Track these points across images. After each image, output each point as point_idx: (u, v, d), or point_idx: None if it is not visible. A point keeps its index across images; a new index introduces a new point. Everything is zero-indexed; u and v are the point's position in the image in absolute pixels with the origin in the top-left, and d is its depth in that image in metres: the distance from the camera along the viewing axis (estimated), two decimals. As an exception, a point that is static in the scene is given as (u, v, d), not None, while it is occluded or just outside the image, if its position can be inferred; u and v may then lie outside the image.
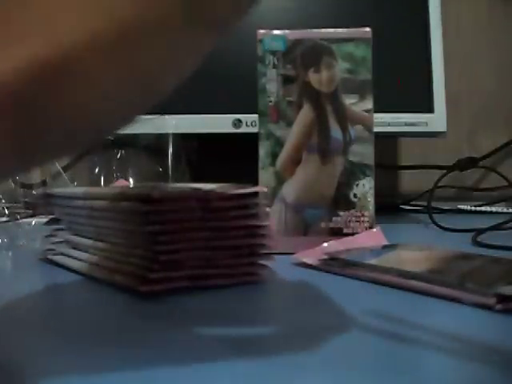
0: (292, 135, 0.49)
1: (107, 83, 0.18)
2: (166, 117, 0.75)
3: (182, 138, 0.85)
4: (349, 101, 0.49)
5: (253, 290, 0.35)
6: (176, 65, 0.20)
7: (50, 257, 0.44)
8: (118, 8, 0.17)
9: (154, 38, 0.18)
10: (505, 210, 0.85)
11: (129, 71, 0.19)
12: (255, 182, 0.46)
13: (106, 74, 0.18)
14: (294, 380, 0.21)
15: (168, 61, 0.20)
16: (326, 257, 0.41)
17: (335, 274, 0.39)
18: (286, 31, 0.50)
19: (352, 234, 0.48)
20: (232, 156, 0.89)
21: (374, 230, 0.48)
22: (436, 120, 0.79)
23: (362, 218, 0.49)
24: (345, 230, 0.49)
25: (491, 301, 0.29)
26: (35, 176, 0.76)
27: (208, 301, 0.32)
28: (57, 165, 0.78)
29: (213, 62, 0.81)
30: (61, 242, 0.45)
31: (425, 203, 0.76)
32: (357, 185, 0.49)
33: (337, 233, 0.48)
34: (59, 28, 0.17)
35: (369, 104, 0.49)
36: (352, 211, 0.49)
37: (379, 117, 0.74)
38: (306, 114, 0.49)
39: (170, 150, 0.81)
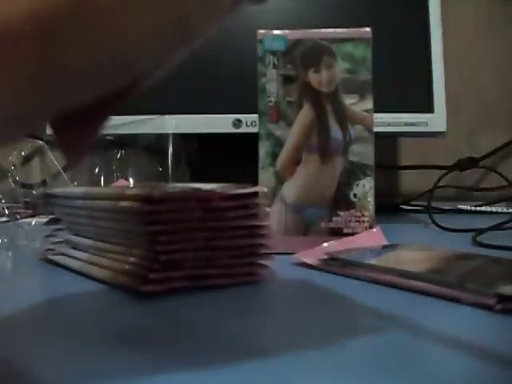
0: (292, 135, 0.49)
1: (134, 9, 0.18)
2: (166, 117, 0.75)
3: (182, 138, 0.85)
4: (349, 101, 0.49)
5: (253, 290, 0.35)
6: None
7: (50, 257, 0.44)
8: None
9: None
10: (505, 210, 0.85)
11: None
12: (255, 182, 0.46)
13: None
14: (294, 380, 0.21)
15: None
16: (326, 257, 0.41)
17: (335, 273, 0.39)
18: (286, 31, 0.50)
19: (352, 234, 0.48)
20: (232, 156, 0.89)
21: (374, 230, 0.48)
22: (436, 120, 0.79)
23: (361, 218, 0.49)
24: (345, 230, 0.49)
25: (491, 301, 0.29)
26: (35, 176, 0.76)
27: (208, 301, 0.32)
28: (57, 165, 0.78)
29: (213, 62, 0.81)
30: (61, 241, 0.45)
31: (425, 203, 0.76)
32: (357, 185, 0.49)
33: (337, 233, 0.48)
34: None
35: (369, 104, 0.49)
36: (352, 211, 0.49)
37: (379, 117, 0.74)
38: (305, 114, 0.49)
39: (170, 150, 0.81)
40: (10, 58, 0.17)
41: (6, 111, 0.18)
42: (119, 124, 0.74)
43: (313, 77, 0.49)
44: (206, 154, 0.95)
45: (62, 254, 0.43)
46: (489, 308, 0.29)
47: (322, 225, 0.49)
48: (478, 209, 0.87)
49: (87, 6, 0.17)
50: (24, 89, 0.17)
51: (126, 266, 0.35)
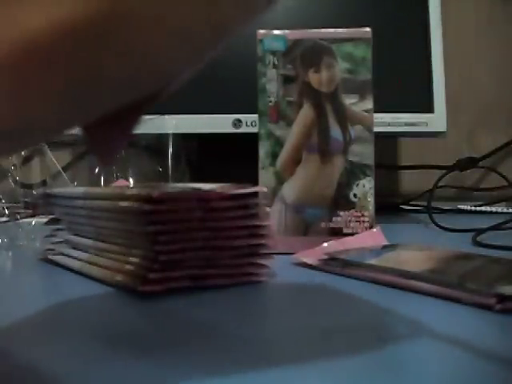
0: (292, 135, 0.49)
1: (173, 18, 0.17)
2: (166, 117, 0.75)
3: (182, 138, 0.84)
4: (349, 101, 0.49)
5: (253, 290, 0.35)
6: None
7: (50, 257, 0.44)
8: None
9: None
10: (505, 210, 0.85)
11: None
12: (255, 182, 0.46)
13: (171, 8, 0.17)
14: (294, 380, 0.21)
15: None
16: (326, 257, 0.41)
17: (335, 273, 0.39)
18: (286, 31, 0.50)
19: (352, 234, 0.48)
20: (232, 156, 0.89)
21: (374, 230, 0.48)
22: (436, 120, 0.79)
23: (362, 218, 0.49)
24: (345, 230, 0.49)
25: (491, 301, 0.29)
26: (35, 176, 0.76)
27: (208, 301, 0.32)
28: (57, 165, 0.78)
29: (213, 62, 0.81)
30: (61, 241, 0.45)
31: (425, 203, 0.76)
32: (357, 185, 0.49)
33: (337, 233, 0.48)
34: None
35: (369, 104, 0.49)
36: (352, 211, 0.49)
37: (379, 117, 0.74)
38: (305, 114, 0.49)
39: (170, 150, 0.81)
40: (44, 72, 0.16)
41: (41, 124, 0.17)
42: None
43: (313, 77, 0.49)
44: (206, 154, 0.95)
45: (62, 254, 0.43)
46: (489, 308, 0.29)
47: (322, 225, 0.49)
48: (478, 209, 0.87)
49: (121, 16, 0.17)
50: (59, 101, 0.17)
51: (126, 266, 0.35)
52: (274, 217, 0.49)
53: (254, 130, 0.75)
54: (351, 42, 0.49)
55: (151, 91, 0.20)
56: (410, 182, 1.08)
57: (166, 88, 0.22)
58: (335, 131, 0.49)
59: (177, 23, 0.18)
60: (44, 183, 0.76)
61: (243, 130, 0.79)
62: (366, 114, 0.49)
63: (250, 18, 0.19)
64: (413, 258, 0.40)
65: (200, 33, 0.18)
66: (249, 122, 0.79)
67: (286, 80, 0.49)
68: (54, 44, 0.16)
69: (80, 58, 0.16)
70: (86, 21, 0.16)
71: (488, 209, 0.86)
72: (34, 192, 0.70)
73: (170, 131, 0.76)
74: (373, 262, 0.38)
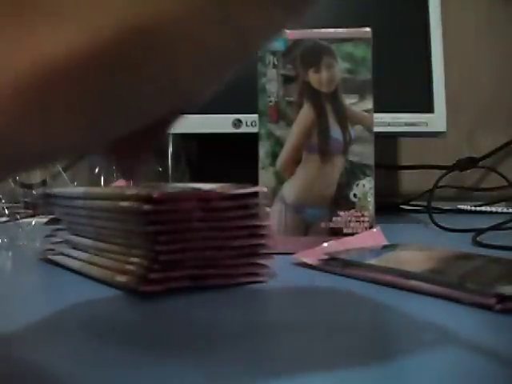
0: (292, 135, 0.49)
1: (211, 39, 0.17)
2: (166, 117, 0.75)
3: (182, 138, 0.84)
4: (349, 101, 0.49)
5: (253, 290, 0.35)
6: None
7: (50, 257, 0.44)
8: None
9: None
10: (505, 210, 0.85)
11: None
12: (255, 182, 0.46)
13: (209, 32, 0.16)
14: (294, 379, 0.21)
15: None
16: (326, 257, 0.41)
17: (335, 273, 0.39)
18: (286, 31, 0.50)
19: (352, 234, 0.48)
20: (232, 156, 0.89)
21: (374, 230, 0.48)
22: (436, 120, 0.79)
23: (362, 218, 0.49)
24: (345, 230, 0.49)
25: (491, 301, 0.29)
26: (35, 176, 0.76)
27: (208, 301, 0.32)
28: (57, 165, 0.78)
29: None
30: (61, 242, 0.45)
31: (425, 203, 0.76)
32: (357, 185, 0.49)
33: (337, 233, 0.48)
34: None
35: (369, 104, 0.49)
36: (352, 211, 0.49)
37: (379, 117, 0.74)
38: (305, 114, 0.49)
39: (170, 150, 0.81)
40: (72, 95, 0.16)
41: (67, 146, 0.17)
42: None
43: (313, 77, 0.49)
44: (205, 154, 0.95)
45: (62, 254, 0.43)
46: (489, 308, 0.29)
47: (322, 225, 0.49)
48: (478, 209, 0.87)
49: (148, 39, 0.16)
50: (86, 124, 0.17)
51: (126, 266, 0.35)
52: (274, 217, 0.49)
53: (254, 129, 0.75)
54: (351, 42, 0.49)
55: (178, 108, 0.19)
56: (410, 182, 1.08)
57: (193, 102, 0.22)
58: (335, 131, 0.49)
59: (212, 48, 0.17)
60: (44, 183, 0.76)
61: (243, 130, 0.79)
62: (366, 113, 0.49)
63: (275, 34, 0.19)
64: (413, 258, 0.40)
65: (231, 52, 0.18)
66: (249, 122, 0.79)
67: (286, 80, 0.49)
68: (76, 69, 0.15)
69: (104, 82, 0.16)
70: (108, 47, 0.15)
71: (488, 209, 0.86)
72: (34, 192, 0.70)
73: (170, 131, 0.76)
74: (373, 262, 0.38)
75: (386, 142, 1.06)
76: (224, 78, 0.20)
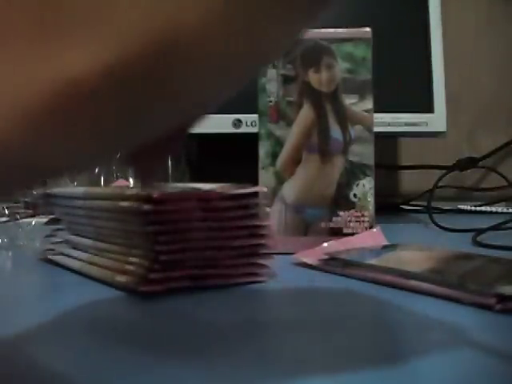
0: (292, 135, 0.49)
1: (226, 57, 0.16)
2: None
3: (182, 138, 0.84)
4: (349, 101, 0.49)
5: (253, 290, 0.35)
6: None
7: (50, 257, 0.44)
8: None
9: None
10: (505, 210, 0.85)
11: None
12: (255, 182, 0.46)
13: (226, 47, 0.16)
14: (294, 379, 0.21)
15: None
16: (326, 257, 0.41)
17: (335, 273, 0.39)
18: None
19: (352, 234, 0.48)
20: (232, 156, 0.89)
21: (374, 230, 0.48)
22: (436, 120, 0.79)
23: (362, 218, 0.49)
24: (345, 230, 0.49)
25: (491, 301, 0.29)
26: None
27: (208, 301, 0.32)
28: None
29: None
30: (61, 241, 0.45)
31: (425, 203, 0.76)
32: (357, 185, 0.49)
33: (337, 233, 0.48)
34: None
35: (369, 104, 0.49)
36: (352, 211, 0.49)
37: (379, 117, 0.74)
38: (305, 114, 0.49)
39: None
40: (95, 112, 0.16)
41: (89, 159, 0.17)
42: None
43: (313, 77, 0.49)
44: (205, 154, 0.95)
45: (62, 254, 0.43)
46: (489, 308, 0.29)
47: (322, 225, 0.49)
48: (478, 209, 0.87)
49: (171, 53, 0.16)
50: (103, 142, 0.17)
51: (126, 266, 0.35)
52: (274, 217, 0.49)
53: (254, 130, 0.75)
54: (351, 42, 0.49)
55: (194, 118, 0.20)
56: (410, 181, 1.08)
57: (208, 112, 0.22)
58: (335, 131, 0.49)
59: (235, 60, 0.17)
60: (44, 183, 0.76)
61: (243, 130, 0.79)
62: (366, 114, 0.49)
63: (293, 43, 0.19)
64: (413, 258, 0.40)
65: (253, 63, 0.18)
66: (249, 122, 0.79)
67: (286, 80, 0.49)
68: (98, 86, 0.15)
69: (126, 99, 0.16)
70: (131, 64, 0.15)
71: (488, 209, 0.86)
72: (34, 192, 0.70)
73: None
74: (373, 261, 0.38)
75: (386, 142, 1.06)
76: (240, 87, 0.20)
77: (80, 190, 0.42)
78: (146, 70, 0.15)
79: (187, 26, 0.15)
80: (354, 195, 0.49)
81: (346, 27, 0.50)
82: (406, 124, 0.78)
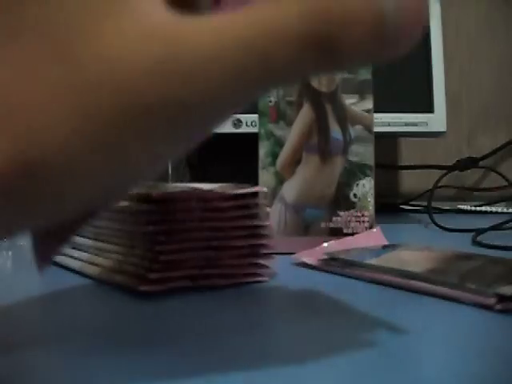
0: (292, 135, 0.49)
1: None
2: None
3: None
4: (349, 101, 0.49)
5: (253, 290, 0.35)
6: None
7: (49, 257, 0.44)
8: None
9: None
10: (505, 210, 0.85)
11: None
12: (255, 182, 0.46)
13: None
14: (294, 379, 0.21)
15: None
16: (325, 257, 0.41)
17: (335, 273, 0.39)
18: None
19: (352, 234, 0.48)
20: (232, 156, 0.89)
21: (374, 230, 0.48)
22: (436, 120, 0.79)
23: (362, 218, 0.49)
24: (345, 230, 0.49)
25: (491, 301, 0.29)
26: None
27: (208, 301, 0.32)
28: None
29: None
30: (61, 242, 0.45)
31: (425, 203, 0.76)
32: (357, 185, 0.49)
33: (337, 233, 0.48)
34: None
35: (369, 104, 0.49)
36: (352, 211, 0.49)
37: (379, 117, 0.74)
38: (305, 114, 0.49)
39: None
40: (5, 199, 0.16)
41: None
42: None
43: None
44: (206, 154, 0.95)
45: (62, 254, 0.43)
46: (489, 308, 0.29)
47: (322, 225, 0.49)
48: (478, 209, 0.87)
49: (37, 172, 0.17)
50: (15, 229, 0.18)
51: (126, 266, 0.35)
52: (274, 217, 0.49)
53: (254, 130, 0.75)
54: (351, 42, 0.49)
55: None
56: (410, 182, 1.08)
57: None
58: (335, 131, 0.49)
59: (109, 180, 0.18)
60: None
61: (243, 130, 0.79)
62: (366, 114, 0.49)
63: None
64: (413, 258, 0.40)
65: (123, 179, 0.18)
66: (249, 122, 0.79)
67: (286, 80, 0.49)
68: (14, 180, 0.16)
69: (5, 205, 0.17)
70: (36, 164, 0.16)
71: (488, 209, 0.86)
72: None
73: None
74: (373, 261, 0.38)
75: (386, 142, 1.06)
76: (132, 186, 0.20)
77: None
78: (15, 185, 0.16)
79: (53, 146, 0.16)
80: (354, 195, 0.49)
81: (346, 27, 0.49)
82: (406, 124, 0.78)
